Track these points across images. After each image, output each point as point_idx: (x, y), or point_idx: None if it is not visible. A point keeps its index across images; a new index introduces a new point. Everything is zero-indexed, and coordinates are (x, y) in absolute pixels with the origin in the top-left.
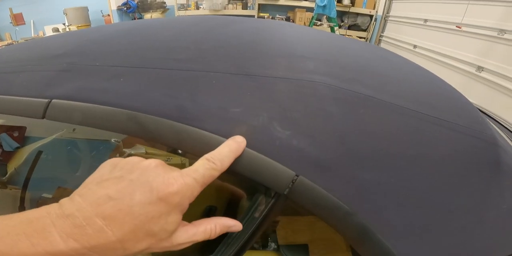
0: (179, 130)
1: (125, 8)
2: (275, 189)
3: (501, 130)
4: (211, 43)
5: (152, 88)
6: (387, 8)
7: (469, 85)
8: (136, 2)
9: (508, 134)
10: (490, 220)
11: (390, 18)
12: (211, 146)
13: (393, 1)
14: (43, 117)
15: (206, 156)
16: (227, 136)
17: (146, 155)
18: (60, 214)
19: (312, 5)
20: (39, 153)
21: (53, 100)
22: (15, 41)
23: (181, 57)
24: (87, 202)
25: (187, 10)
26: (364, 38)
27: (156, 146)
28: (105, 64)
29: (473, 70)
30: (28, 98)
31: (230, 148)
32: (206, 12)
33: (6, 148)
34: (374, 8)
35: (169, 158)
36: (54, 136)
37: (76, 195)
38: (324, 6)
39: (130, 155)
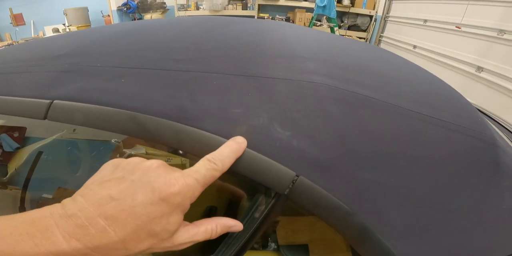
0: (179, 131)
1: (125, 9)
2: (275, 189)
3: (500, 130)
4: (211, 43)
5: (153, 89)
6: (387, 9)
7: (469, 86)
8: (136, 2)
9: (508, 135)
10: (490, 220)
11: (390, 19)
12: (211, 147)
13: (393, 2)
14: (45, 118)
15: (207, 156)
16: (227, 136)
17: (146, 156)
18: (63, 214)
19: (312, 5)
20: (39, 153)
21: (54, 101)
22: (15, 41)
23: (181, 57)
24: (89, 203)
25: (187, 10)
26: (364, 38)
27: (156, 147)
28: (106, 65)
29: (473, 70)
30: (30, 99)
31: (231, 149)
32: (206, 12)
33: (7, 148)
34: (374, 9)
35: (169, 159)
36: (54, 137)
37: (78, 195)
38: (324, 7)
39: (130, 155)
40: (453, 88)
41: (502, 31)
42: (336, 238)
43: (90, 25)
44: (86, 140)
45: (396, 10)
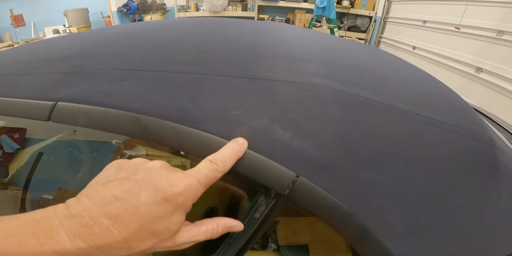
0: (181, 132)
1: (125, 10)
2: (275, 190)
3: (499, 131)
4: (212, 45)
5: (155, 91)
6: (387, 10)
7: (468, 86)
8: (136, 3)
9: (507, 135)
10: (489, 220)
11: (389, 20)
12: (212, 148)
13: (392, 3)
14: (48, 119)
15: (209, 157)
16: (228, 138)
17: (147, 157)
18: (67, 214)
19: (311, 6)
20: (40, 154)
21: (58, 103)
22: (15, 42)
23: (183, 59)
24: (93, 202)
25: (187, 11)
26: (364, 39)
27: (157, 148)
28: (108, 67)
29: (472, 71)
30: (33, 101)
31: (232, 150)
32: (206, 13)
33: (7, 149)
34: (373, 10)
35: (170, 160)
36: (55, 138)
37: (82, 195)
38: (324, 8)
39: (131, 156)
40: (451, 89)
41: (501, 32)
42: (337, 238)
43: (90, 26)
44: (86, 141)
45: (396, 11)
